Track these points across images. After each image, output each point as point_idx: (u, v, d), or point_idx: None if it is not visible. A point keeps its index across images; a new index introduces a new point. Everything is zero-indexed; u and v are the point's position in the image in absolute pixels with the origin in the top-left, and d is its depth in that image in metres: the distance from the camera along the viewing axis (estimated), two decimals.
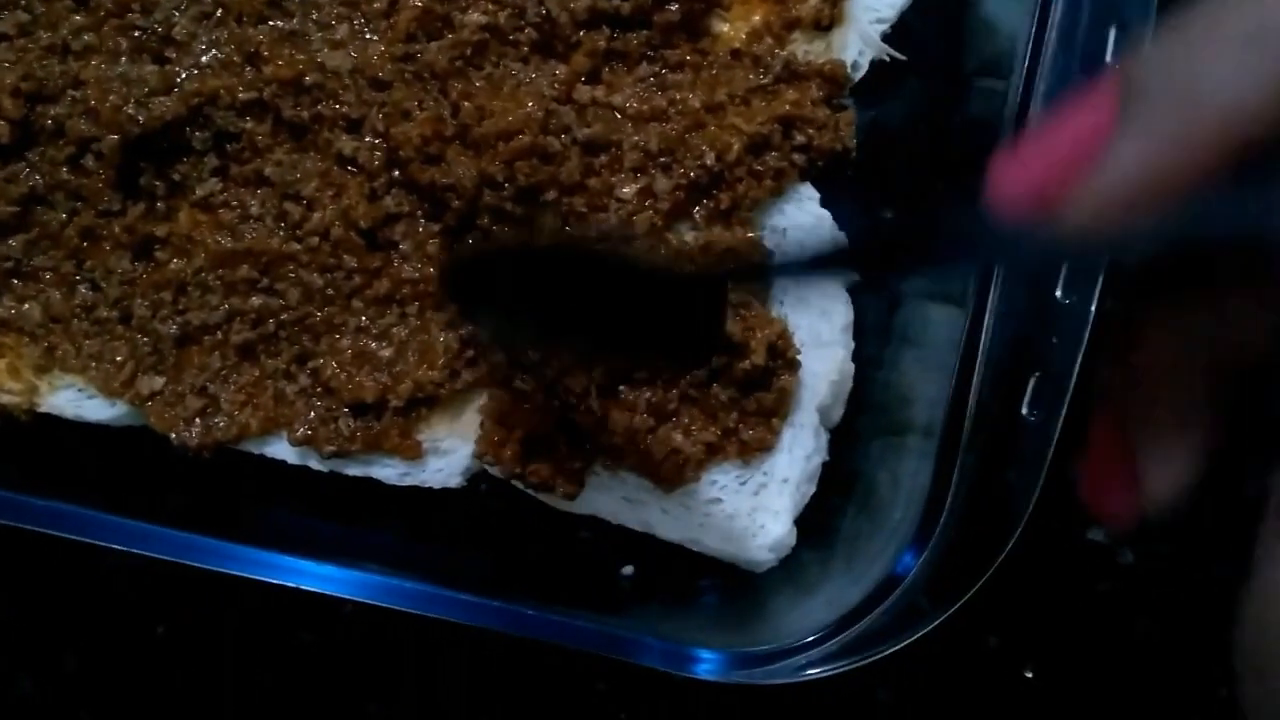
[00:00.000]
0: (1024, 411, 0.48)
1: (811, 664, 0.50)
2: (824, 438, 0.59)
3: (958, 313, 0.52)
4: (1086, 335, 0.47)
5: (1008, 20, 0.58)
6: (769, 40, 0.60)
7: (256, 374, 0.58)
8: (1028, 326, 0.49)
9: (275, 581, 0.54)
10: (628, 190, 0.58)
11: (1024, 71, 0.51)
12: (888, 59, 0.60)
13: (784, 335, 0.57)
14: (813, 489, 0.59)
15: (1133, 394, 0.31)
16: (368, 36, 0.58)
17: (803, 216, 0.59)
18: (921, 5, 0.60)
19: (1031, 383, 0.48)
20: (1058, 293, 0.48)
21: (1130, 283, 0.32)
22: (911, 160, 0.61)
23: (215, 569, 0.55)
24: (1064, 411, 0.47)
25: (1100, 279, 0.47)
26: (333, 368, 0.58)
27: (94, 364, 0.59)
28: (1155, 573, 0.62)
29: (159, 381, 0.59)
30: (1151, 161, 0.27)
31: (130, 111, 0.57)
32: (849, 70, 0.59)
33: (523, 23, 0.58)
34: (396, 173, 0.57)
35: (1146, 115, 0.27)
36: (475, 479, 0.60)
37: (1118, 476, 0.31)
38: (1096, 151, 0.27)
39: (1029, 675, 0.61)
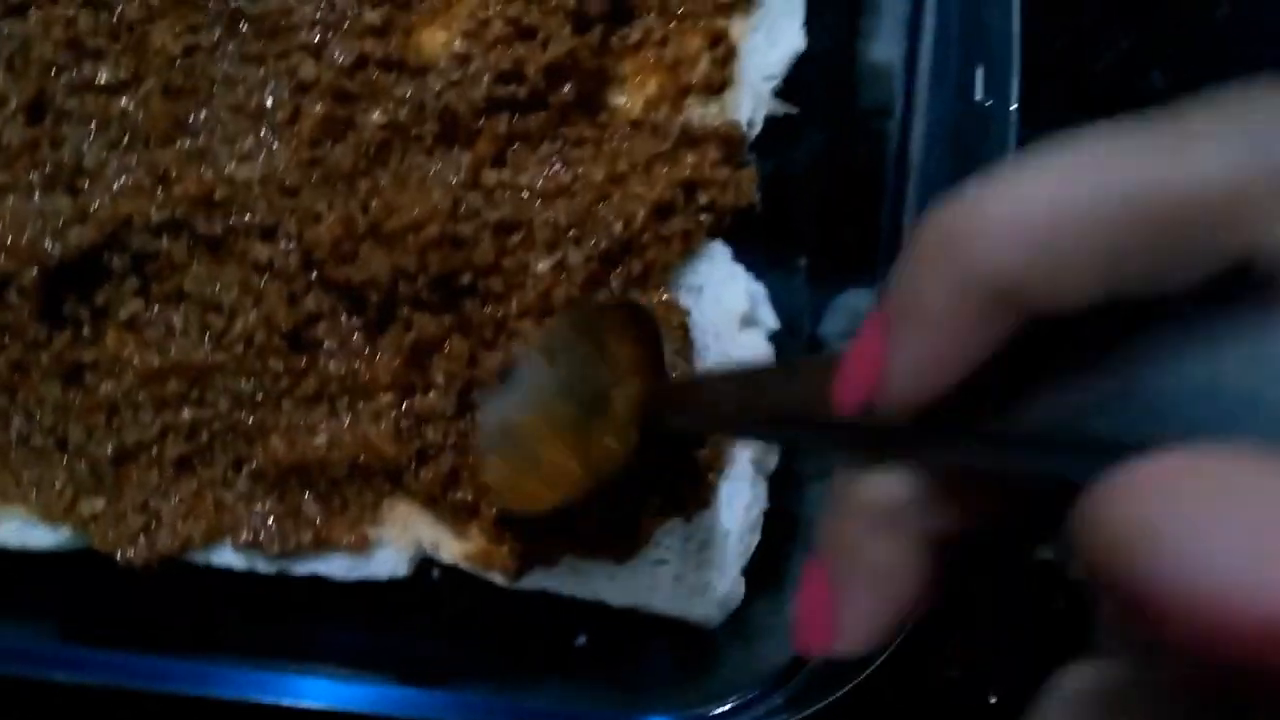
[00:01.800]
0: None
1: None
2: (762, 486, 0.59)
3: None
4: None
5: (894, 64, 0.60)
6: (666, 108, 0.62)
7: (195, 485, 0.59)
8: None
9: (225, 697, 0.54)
10: (543, 266, 0.59)
11: (902, 112, 0.53)
12: (782, 113, 0.62)
13: None
14: (757, 538, 0.59)
15: (842, 539, 0.31)
16: (274, 146, 0.60)
17: (716, 272, 0.61)
18: (811, 56, 0.62)
19: None
20: None
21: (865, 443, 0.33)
22: (817, 206, 0.63)
23: (170, 691, 0.55)
24: None
25: None
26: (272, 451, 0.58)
27: (35, 492, 0.59)
28: None
29: (100, 503, 0.59)
30: (915, 364, 0.28)
31: (47, 245, 0.58)
32: (744, 129, 0.61)
33: (424, 117, 0.60)
34: (314, 274, 0.58)
35: (904, 329, 0.28)
36: (424, 565, 0.60)
37: (822, 613, 0.31)
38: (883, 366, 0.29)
39: (993, 701, 0.61)
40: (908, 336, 0.28)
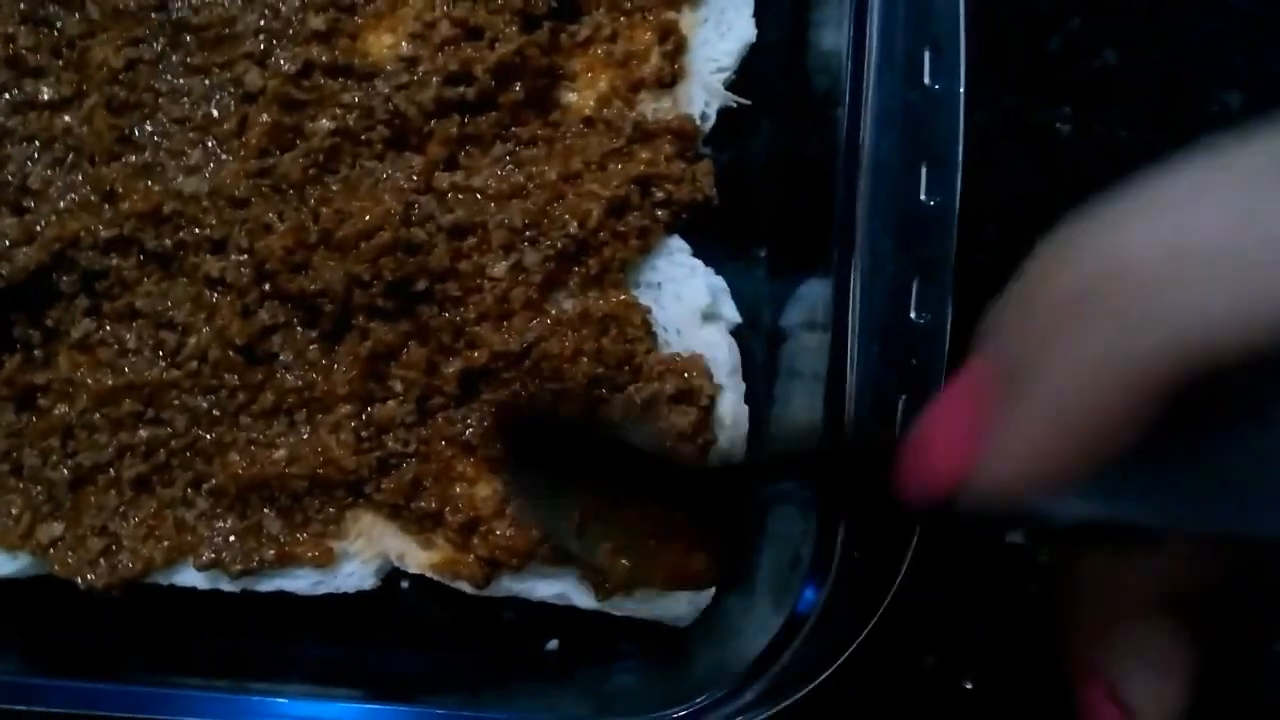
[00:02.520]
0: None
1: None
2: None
3: (827, 339, 0.52)
4: (945, 353, 0.48)
5: (844, 52, 0.59)
6: (618, 103, 0.61)
7: (154, 505, 0.58)
8: (889, 349, 0.49)
9: None
10: (499, 269, 0.58)
11: (849, 98, 0.52)
12: (735, 105, 0.61)
13: None
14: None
15: (1098, 637, 0.32)
16: (222, 157, 0.59)
17: (675, 269, 0.60)
18: (763, 47, 0.62)
19: (901, 405, 0.48)
20: (911, 314, 0.49)
21: (1063, 538, 0.32)
22: (774, 197, 0.62)
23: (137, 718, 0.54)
24: None
25: (949, 296, 0.48)
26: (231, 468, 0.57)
27: None
28: None
29: (58, 528, 0.58)
30: (1037, 450, 0.26)
31: None
32: (697, 122, 0.60)
33: (373, 121, 0.59)
34: (266, 286, 0.58)
35: (1023, 407, 0.25)
36: (391, 577, 0.60)
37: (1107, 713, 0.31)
38: (982, 443, 0.26)
39: (969, 687, 0.61)
40: (1033, 413, 0.25)
